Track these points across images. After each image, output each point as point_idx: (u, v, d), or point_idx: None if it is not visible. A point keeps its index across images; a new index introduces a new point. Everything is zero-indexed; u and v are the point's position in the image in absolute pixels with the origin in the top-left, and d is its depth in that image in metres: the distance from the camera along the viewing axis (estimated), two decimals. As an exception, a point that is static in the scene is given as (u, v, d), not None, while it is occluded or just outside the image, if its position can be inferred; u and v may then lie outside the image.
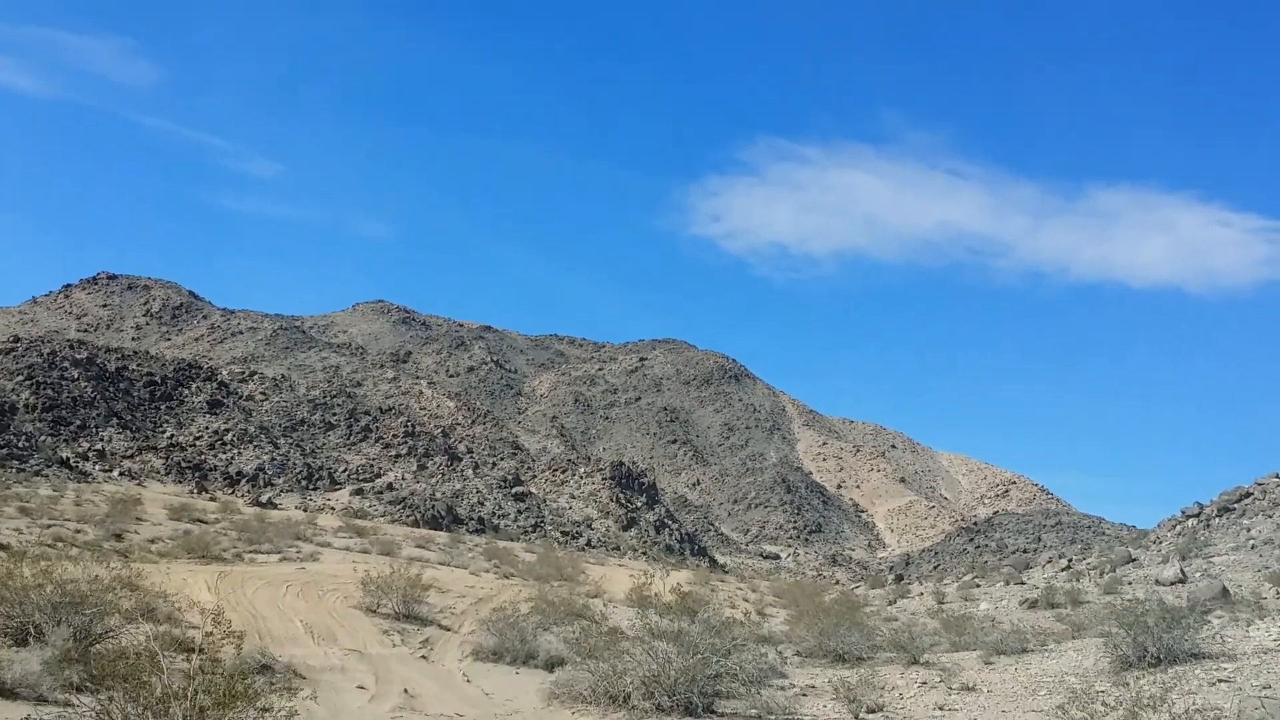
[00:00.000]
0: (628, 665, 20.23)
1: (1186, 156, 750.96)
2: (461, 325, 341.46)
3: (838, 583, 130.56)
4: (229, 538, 48.83)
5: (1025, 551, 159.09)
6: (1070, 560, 56.76)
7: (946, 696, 22.86)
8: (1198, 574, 41.35)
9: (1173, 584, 40.34)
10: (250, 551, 44.22)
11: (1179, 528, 56.02)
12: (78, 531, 41.33)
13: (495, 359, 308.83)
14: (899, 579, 77.15)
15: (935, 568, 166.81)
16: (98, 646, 17.59)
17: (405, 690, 19.50)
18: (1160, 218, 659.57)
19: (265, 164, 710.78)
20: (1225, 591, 33.32)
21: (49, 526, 40.30)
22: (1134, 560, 49.85)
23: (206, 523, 55.48)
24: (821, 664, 28.38)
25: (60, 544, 36.32)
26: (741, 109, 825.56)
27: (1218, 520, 53.74)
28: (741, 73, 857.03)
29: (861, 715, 20.24)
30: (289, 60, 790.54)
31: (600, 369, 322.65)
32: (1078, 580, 47.83)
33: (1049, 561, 61.74)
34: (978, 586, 53.86)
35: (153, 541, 42.71)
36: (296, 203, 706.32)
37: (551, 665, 24.54)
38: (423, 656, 25.13)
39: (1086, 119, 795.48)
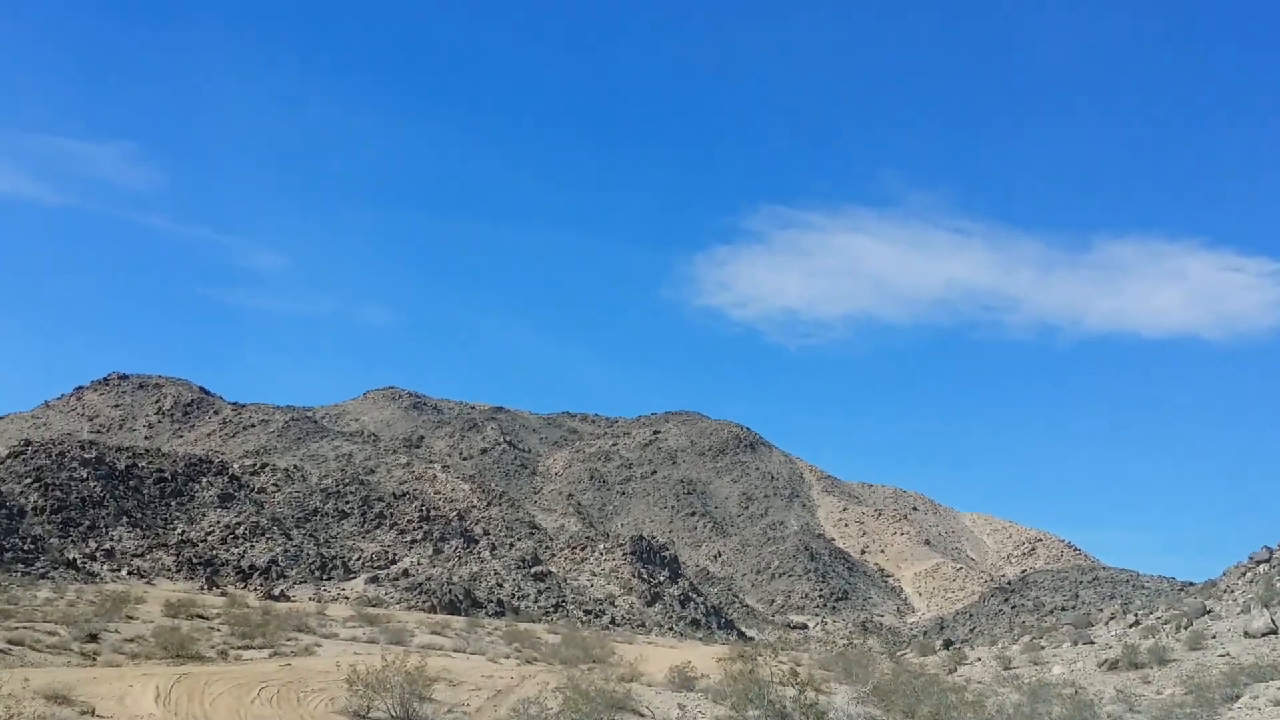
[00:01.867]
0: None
1: (1190, 204, 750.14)
2: (473, 407, 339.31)
3: (869, 648, 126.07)
4: (221, 633, 45.28)
5: (1064, 609, 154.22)
6: (1138, 615, 53.12)
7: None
8: (1287, 623, 37.91)
9: (1265, 635, 36.95)
10: (240, 647, 40.56)
11: (1249, 574, 52.46)
12: (50, 634, 37.97)
13: (508, 439, 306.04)
14: (948, 644, 73.33)
15: (972, 630, 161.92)
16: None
17: None
18: (1170, 267, 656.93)
19: (271, 257, 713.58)
20: (1335, 641, 29.87)
21: (15, 630, 36.85)
22: (1209, 612, 46.33)
23: (205, 618, 52.10)
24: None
25: (19, 648, 32.95)
26: (742, 179, 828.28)
27: (1293, 564, 50.26)
28: (739, 143, 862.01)
29: None
30: (290, 154, 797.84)
31: (614, 444, 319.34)
32: (1153, 636, 44.33)
33: (1112, 618, 58.04)
34: (1042, 648, 50.30)
35: (130, 641, 39.06)
36: (304, 295, 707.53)
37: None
38: (421, 779, 20.71)
39: (1087, 170, 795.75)
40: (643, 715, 28.63)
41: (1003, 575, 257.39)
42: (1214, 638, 40.21)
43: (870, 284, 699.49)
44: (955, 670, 48.56)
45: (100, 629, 40.57)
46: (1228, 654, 35.86)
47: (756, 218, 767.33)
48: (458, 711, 27.98)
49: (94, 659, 34.00)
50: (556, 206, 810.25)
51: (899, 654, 69.35)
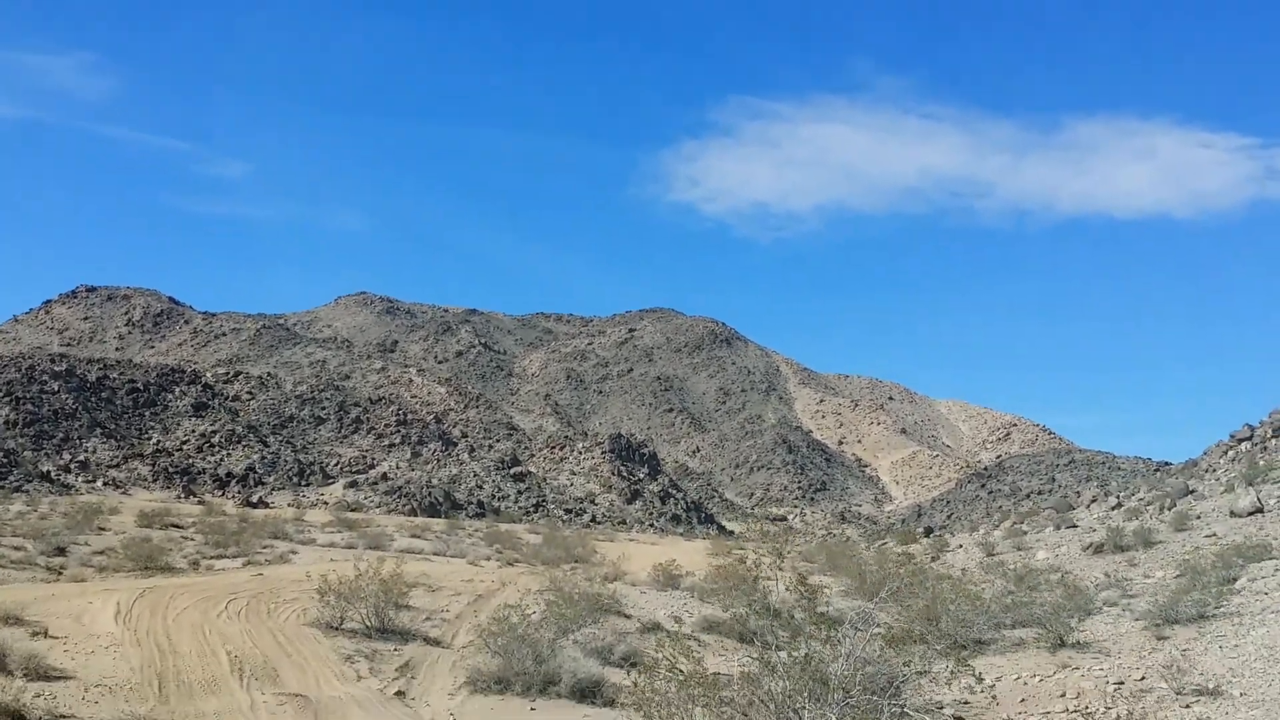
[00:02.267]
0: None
1: (1161, 81, 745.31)
2: (447, 310, 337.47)
3: (847, 538, 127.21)
4: (194, 543, 44.44)
5: (1040, 493, 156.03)
6: (1120, 498, 53.16)
7: (1183, 710, 15.63)
8: (1272, 501, 37.72)
9: (1251, 514, 36.70)
10: (214, 557, 39.65)
11: (1231, 453, 52.50)
12: (16, 549, 36.94)
13: (483, 341, 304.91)
14: (929, 532, 73.65)
15: (949, 517, 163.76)
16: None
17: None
18: (1141, 145, 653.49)
19: (234, 165, 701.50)
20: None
21: (-21, 544, 35.81)
22: (1192, 492, 46.26)
23: (181, 527, 51.36)
24: (932, 653, 20.46)
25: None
26: (709, 70, 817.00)
27: (1275, 442, 50.19)
28: (707, 33, 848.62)
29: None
30: (250, 60, 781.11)
31: (590, 343, 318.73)
32: (1136, 518, 44.22)
33: (1094, 500, 58.14)
34: (1024, 533, 50.27)
35: (99, 554, 38.03)
36: (270, 201, 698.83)
37: (580, 693, 18.95)
38: (398, 693, 18.65)
39: (1057, 51, 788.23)
40: (628, 617, 28.04)
41: (979, 461, 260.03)
42: (1199, 518, 40.02)
43: (841, 174, 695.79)
44: (939, 558, 48.53)
45: (69, 542, 39.48)
46: (1214, 534, 35.63)
47: (724, 110, 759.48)
48: (436, 618, 26.87)
49: (59, 574, 32.93)
50: (522, 107, 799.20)
51: (880, 544, 69.38)
